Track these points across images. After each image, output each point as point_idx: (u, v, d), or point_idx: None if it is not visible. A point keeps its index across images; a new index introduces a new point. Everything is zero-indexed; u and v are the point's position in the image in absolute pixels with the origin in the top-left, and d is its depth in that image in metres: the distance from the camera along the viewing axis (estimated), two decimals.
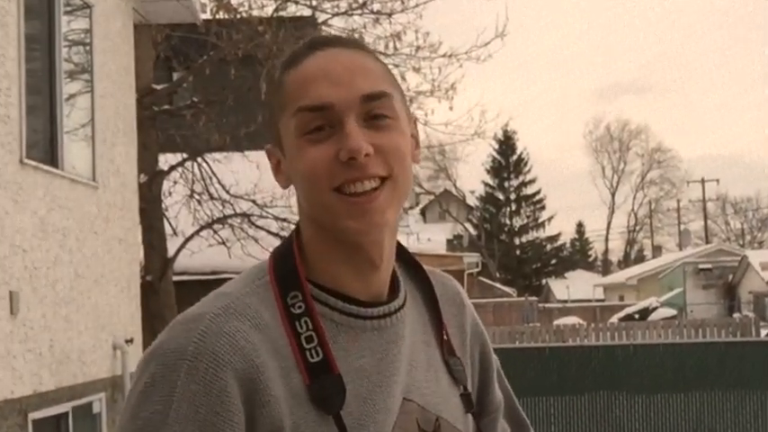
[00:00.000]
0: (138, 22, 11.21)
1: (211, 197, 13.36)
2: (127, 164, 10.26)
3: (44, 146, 8.27)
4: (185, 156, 13.56)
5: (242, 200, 13.16)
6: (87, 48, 9.22)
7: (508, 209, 63.95)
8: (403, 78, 12.52)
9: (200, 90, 13.94)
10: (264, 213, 13.00)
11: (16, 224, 7.31)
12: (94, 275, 8.95)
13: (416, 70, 13.30)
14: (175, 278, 13.19)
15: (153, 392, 1.16)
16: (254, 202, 12.98)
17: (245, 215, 13.18)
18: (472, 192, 64.26)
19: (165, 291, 12.54)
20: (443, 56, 13.22)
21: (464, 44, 13.25)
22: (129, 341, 9.56)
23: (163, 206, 13.27)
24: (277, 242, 14.09)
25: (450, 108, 13.65)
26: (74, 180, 8.56)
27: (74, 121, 8.89)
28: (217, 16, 13.18)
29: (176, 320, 1.28)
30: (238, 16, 12.73)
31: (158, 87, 13.08)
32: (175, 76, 14.90)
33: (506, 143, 63.46)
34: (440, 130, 14.46)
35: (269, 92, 1.95)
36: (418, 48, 13.08)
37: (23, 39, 7.53)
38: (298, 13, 14.09)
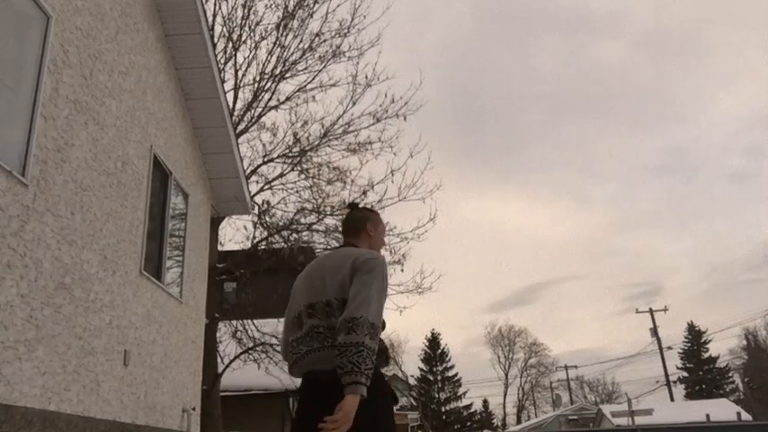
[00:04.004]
0: (213, 216, 14.43)
1: (247, 334, 17.09)
2: (200, 294, 12.69)
3: (154, 267, 10.24)
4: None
5: (267, 335, 17.05)
6: (183, 217, 11.97)
7: (436, 386, 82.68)
8: None
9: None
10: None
11: (134, 309, 9.19)
12: (175, 358, 10.84)
13: None
14: (222, 393, 16.48)
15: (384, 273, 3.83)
16: (275, 336, 16.66)
17: (269, 344, 16.83)
18: (412, 375, 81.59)
19: (214, 397, 15.51)
20: (397, 235, 17.49)
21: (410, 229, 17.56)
22: (193, 409, 11.63)
23: (217, 337, 16.54)
24: None
25: (402, 270, 17.91)
26: (169, 294, 10.77)
27: (172, 260, 11.26)
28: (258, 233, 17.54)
29: (374, 254, 3.93)
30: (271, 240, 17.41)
31: (219, 266, 16.67)
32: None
33: (433, 341, 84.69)
34: (395, 290, 17.90)
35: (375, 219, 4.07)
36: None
37: (149, 200, 9.90)
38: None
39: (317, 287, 3.97)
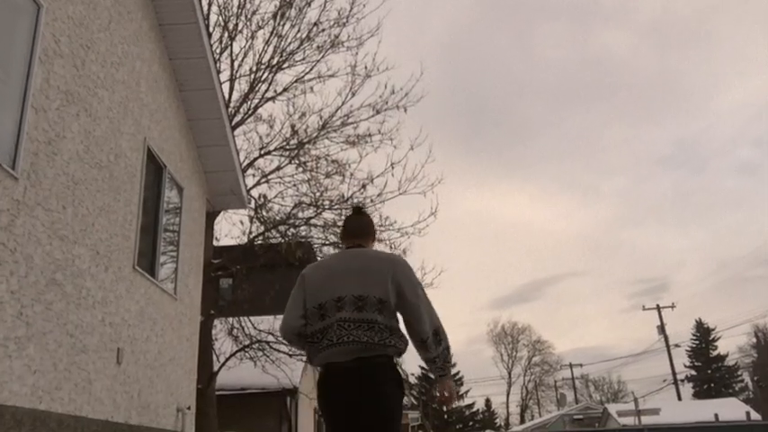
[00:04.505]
0: (208, 210, 14.45)
1: (244, 331, 17.19)
2: (195, 291, 12.73)
3: (148, 262, 10.30)
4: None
5: (264, 332, 17.06)
6: (178, 211, 11.98)
7: (438, 385, 78.14)
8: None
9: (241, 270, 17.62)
10: (279, 341, 16.55)
11: (127, 305, 9.23)
12: (170, 356, 10.91)
13: (380, 241, 17.06)
14: (217, 392, 16.41)
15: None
16: (272, 334, 16.64)
17: (266, 342, 16.85)
18: (413, 374, 79.41)
19: (209, 396, 15.45)
20: (397, 230, 17.36)
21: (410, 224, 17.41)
22: (188, 408, 11.67)
23: (212, 334, 16.59)
24: (291, 360, 17.19)
25: None
26: (163, 290, 10.81)
27: (167, 255, 11.32)
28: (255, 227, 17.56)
29: (406, 261, 4.77)
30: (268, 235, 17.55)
31: (215, 261, 16.58)
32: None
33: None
34: None
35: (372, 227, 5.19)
36: (381, 225, 17.06)
37: (142, 194, 9.91)
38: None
39: (346, 282, 4.54)
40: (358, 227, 5.05)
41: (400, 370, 4.97)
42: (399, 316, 4.60)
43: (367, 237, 5.03)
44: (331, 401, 4.49)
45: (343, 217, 16.83)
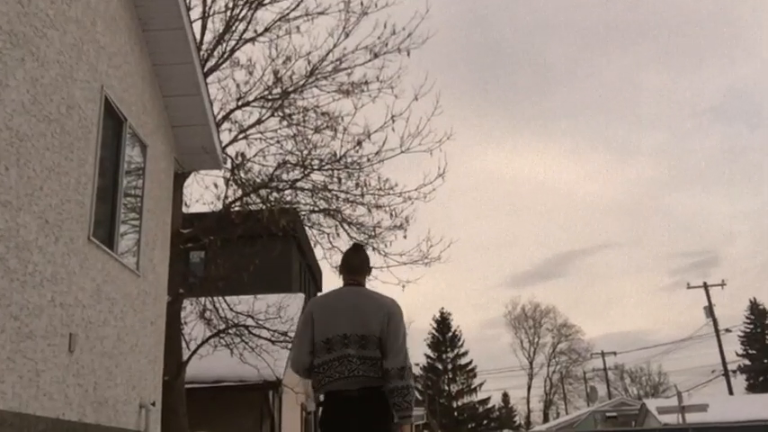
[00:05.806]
0: (176, 171, 14.50)
1: (218, 313, 17.33)
2: (161, 266, 12.84)
3: (106, 233, 10.31)
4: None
5: (242, 315, 17.26)
6: (141, 172, 12.00)
7: (446, 377, 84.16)
8: (369, 211, 17.46)
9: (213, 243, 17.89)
10: (260, 325, 17.03)
11: (81, 283, 9.19)
12: (131, 343, 10.95)
13: (379, 207, 17.35)
14: (187, 385, 16.45)
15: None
16: (251, 317, 16.99)
17: (245, 326, 17.11)
18: (417, 363, 79.48)
19: (178, 390, 15.57)
20: (399, 195, 17.40)
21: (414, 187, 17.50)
22: (153, 404, 11.70)
23: (182, 317, 16.70)
24: (273, 348, 17.12)
25: (405, 237, 17.59)
26: (123, 265, 10.83)
27: (128, 224, 11.37)
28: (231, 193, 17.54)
29: (398, 305, 6.17)
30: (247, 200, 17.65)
31: (184, 231, 16.65)
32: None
33: (443, 323, 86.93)
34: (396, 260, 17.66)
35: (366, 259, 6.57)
36: (380, 189, 17.25)
37: (99, 152, 9.88)
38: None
39: (351, 321, 5.98)
40: (356, 264, 6.45)
41: None
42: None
43: (363, 273, 6.46)
44: (330, 423, 5.88)
45: (335, 179, 16.83)
